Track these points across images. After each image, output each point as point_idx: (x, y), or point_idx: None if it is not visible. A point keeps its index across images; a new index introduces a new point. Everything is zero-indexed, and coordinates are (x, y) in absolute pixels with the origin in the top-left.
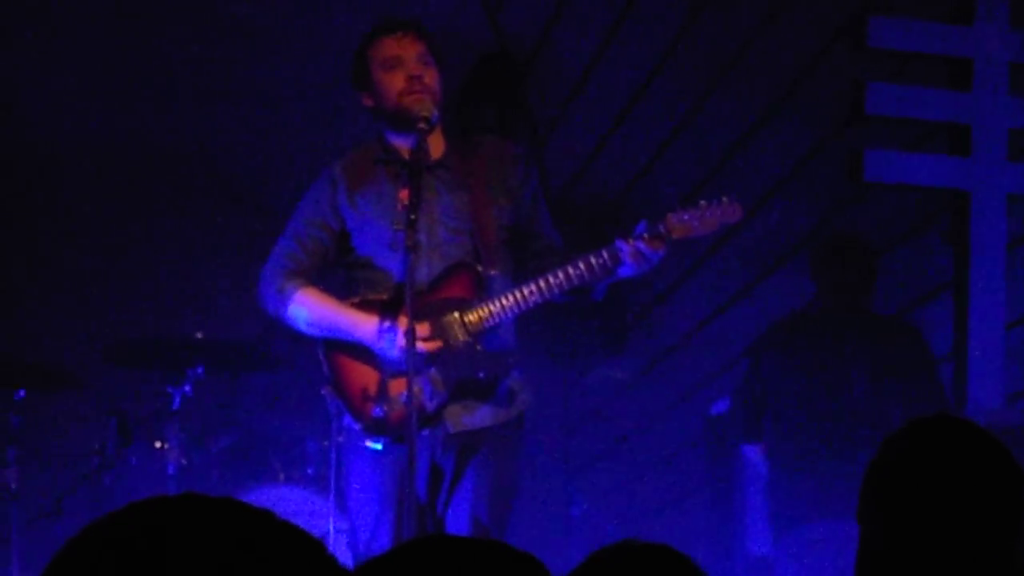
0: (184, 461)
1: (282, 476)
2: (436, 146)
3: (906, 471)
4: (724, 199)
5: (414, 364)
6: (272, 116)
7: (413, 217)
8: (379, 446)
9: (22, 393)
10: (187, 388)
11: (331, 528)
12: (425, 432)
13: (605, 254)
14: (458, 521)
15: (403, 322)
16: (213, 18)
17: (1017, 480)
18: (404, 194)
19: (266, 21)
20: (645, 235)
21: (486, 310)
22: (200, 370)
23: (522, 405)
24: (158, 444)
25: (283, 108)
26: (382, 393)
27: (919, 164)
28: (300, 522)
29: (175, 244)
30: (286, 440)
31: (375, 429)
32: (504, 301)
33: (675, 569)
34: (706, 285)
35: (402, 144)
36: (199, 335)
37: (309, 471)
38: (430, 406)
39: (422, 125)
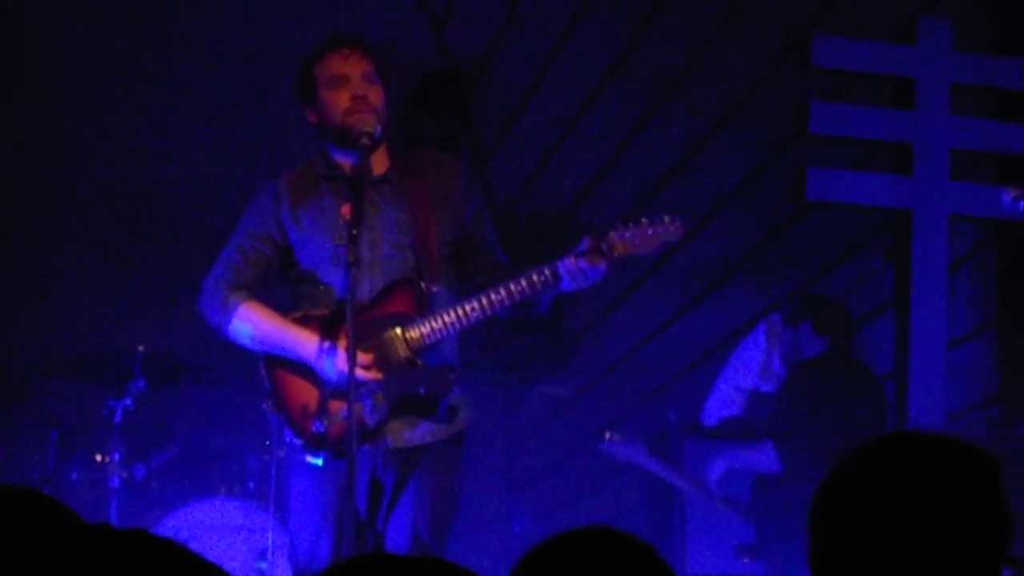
0: (125, 475)
1: (223, 490)
2: (379, 162)
3: (851, 487)
4: (666, 218)
5: (354, 382)
6: (214, 132)
7: (355, 232)
8: (319, 461)
9: None
10: (128, 401)
11: (271, 542)
12: (366, 448)
13: (547, 271)
14: (398, 536)
15: (343, 342)
16: (160, 34)
17: (987, 490)
18: (346, 209)
19: (210, 34)
20: (587, 252)
21: (428, 326)
22: (141, 383)
23: (463, 422)
24: (99, 457)
25: (224, 125)
26: (322, 409)
27: (862, 183)
28: (240, 536)
29: (116, 256)
30: (227, 454)
31: (315, 444)
32: (446, 317)
33: (619, 545)
34: (649, 302)
35: (345, 160)
36: (140, 348)
37: (250, 485)
38: (371, 422)
39: (365, 141)
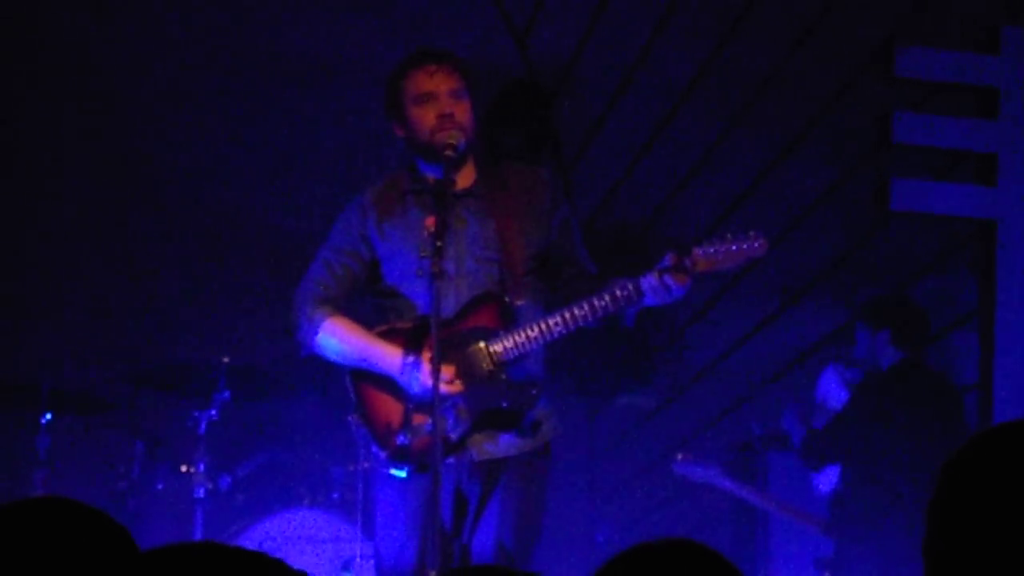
0: (210, 485)
1: (307, 500)
2: (466, 175)
3: (972, 486)
4: (751, 233)
5: (438, 395)
6: (296, 148)
7: (439, 244)
8: (403, 474)
9: (49, 416)
10: (213, 412)
11: (358, 553)
12: (450, 460)
13: (630, 286)
14: (483, 548)
15: (427, 356)
16: (249, 54)
17: None
18: (431, 221)
19: (300, 49)
20: (670, 268)
21: (511, 340)
22: (227, 395)
23: (548, 434)
24: (184, 468)
25: (305, 140)
26: (406, 422)
27: (945, 193)
28: (325, 546)
29: (204, 269)
30: (312, 465)
31: (399, 457)
32: (529, 332)
33: (699, 560)
34: (732, 313)
35: (433, 175)
36: (226, 360)
37: (334, 496)
38: (453, 435)
39: (449, 153)
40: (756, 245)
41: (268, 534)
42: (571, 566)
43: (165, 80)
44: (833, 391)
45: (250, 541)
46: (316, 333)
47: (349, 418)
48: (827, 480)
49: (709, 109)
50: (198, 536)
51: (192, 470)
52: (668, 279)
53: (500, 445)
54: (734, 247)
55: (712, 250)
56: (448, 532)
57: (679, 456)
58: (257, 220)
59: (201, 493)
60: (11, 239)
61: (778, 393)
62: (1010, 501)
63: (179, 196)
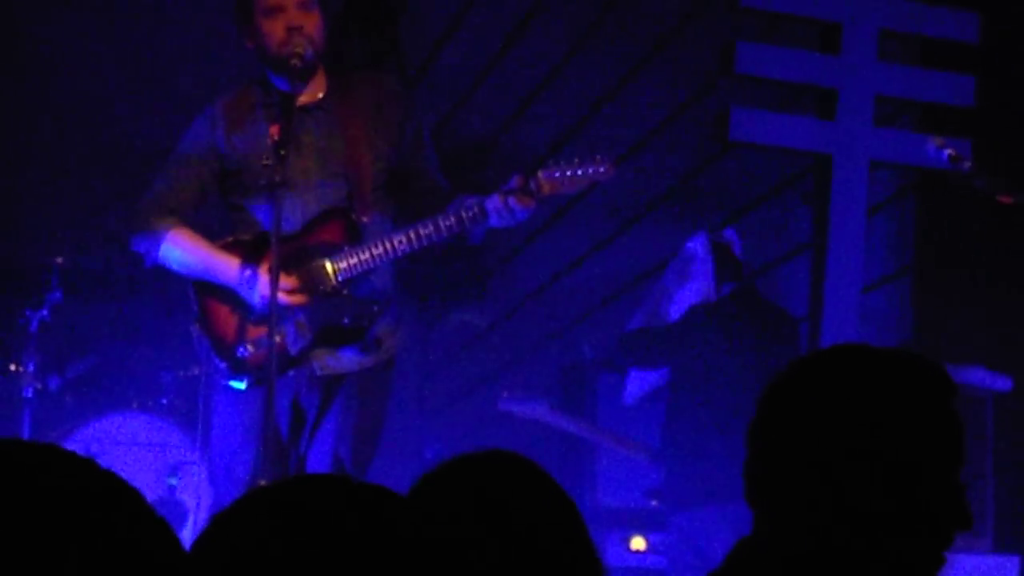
0: (39, 385)
1: (136, 404)
2: (315, 88)
3: (796, 397)
4: (597, 157)
5: (275, 306)
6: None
7: (283, 153)
8: (242, 385)
9: None
10: (45, 313)
11: (186, 459)
12: (291, 372)
13: (475, 208)
14: (319, 460)
15: (266, 268)
16: None
17: (940, 404)
18: (274, 129)
19: None
20: (516, 190)
21: (356, 257)
22: (58, 295)
23: (392, 349)
24: (13, 367)
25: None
26: (246, 334)
27: (784, 125)
28: (154, 451)
29: (36, 169)
30: (142, 369)
31: (238, 369)
32: (374, 250)
33: (518, 471)
34: (568, 235)
35: (283, 87)
36: (59, 260)
37: (163, 401)
38: (293, 350)
39: (295, 62)
40: (602, 170)
41: (96, 437)
42: (399, 479)
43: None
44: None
45: (77, 444)
46: (159, 245)
47: (191, 328)
48: (635, 387)
49: (556, 28)
50: (24, 436)
51: (21, 369)
52: (512, 201)
53: (342, 360)
54: (579, 171)
55: (557, 174)
56: (284, 443)
57: (504, 393)
58: (101, 120)
59: (29, 393)
60: None
61: (610, 317)
62: (823, 422)
63: (19, 88)
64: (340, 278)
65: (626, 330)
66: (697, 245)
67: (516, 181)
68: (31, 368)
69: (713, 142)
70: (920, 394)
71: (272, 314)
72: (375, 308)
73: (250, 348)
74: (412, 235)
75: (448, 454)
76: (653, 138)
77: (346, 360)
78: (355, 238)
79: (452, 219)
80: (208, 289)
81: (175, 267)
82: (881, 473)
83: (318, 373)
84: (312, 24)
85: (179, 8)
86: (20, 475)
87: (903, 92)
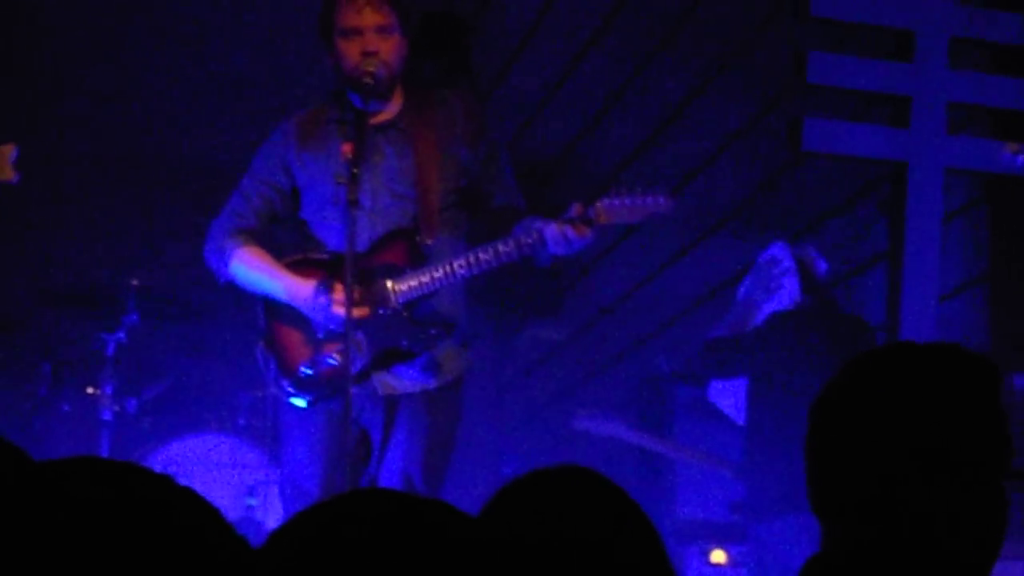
0: (117, 407)
1: (214, 425)
2: (391, 108)
3: (848, 398)
4: (657, 189)
5: (351, 323)
6: (208, 69)
7: (355, 171)
8: (303, 403)
9: None
10: (121, 335)
11: (264, 478)
12: (353, 390)
13: (534, 235)
14: (389, 479)
15: (334, 288)
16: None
17: (989, 398)
18: (347, 147)
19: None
20: (574, 219)
21: (416, 280)
22: (135, 317)
23: (455, 372)
24: (91, 390)
25: (219, 61)
26: (309, 352)
27: (858, 134)
28: (232, 471)
29: (114, 191)
30: (219, 389)
31: (301, 387)
32: (434, 273)
33: (592, 487)
34: (642, 248)
35: (358, 104)
36: (135, 282)
37: (241, 421)
38: (353, 369)
39: (367, 80)
40: (661, 201)
41: (174, 458)
42: (477, 498)
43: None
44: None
45: (156, 465)
46: (228, 263)
47: (257, 346)
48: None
49: (625, 44)
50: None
51: (99, 392)
52: (569, 230)
53: (403, 381)
54: (639, 202)
55: (617, 202)
56: (353, 461)
57: (579, 411)
58: (173, 144)
59: (107, 415)
60: None
61: (686, 330)
62: (877, 423)
63: (95, 116)
64: (400, 300)
65: (707, 339)
66: (779, 252)
67: (574, 210)
68: (109, 391)
69: (786, 152)
70: (972, 387)
71: (348, 332)
72: (432, 332)
73: (313, 366)
74: (472, 260)
75: (527, 470)
76: (726, 150)
77: (407, 381)
78: (418, 260)
79: (511, 245)
80: (275, 307)
81: (243, 284)
82: (938, 471)
83: (380, 393)
84: (388, 48)
85: (253, 29)
86: (103, 492)
87: (975, 99)
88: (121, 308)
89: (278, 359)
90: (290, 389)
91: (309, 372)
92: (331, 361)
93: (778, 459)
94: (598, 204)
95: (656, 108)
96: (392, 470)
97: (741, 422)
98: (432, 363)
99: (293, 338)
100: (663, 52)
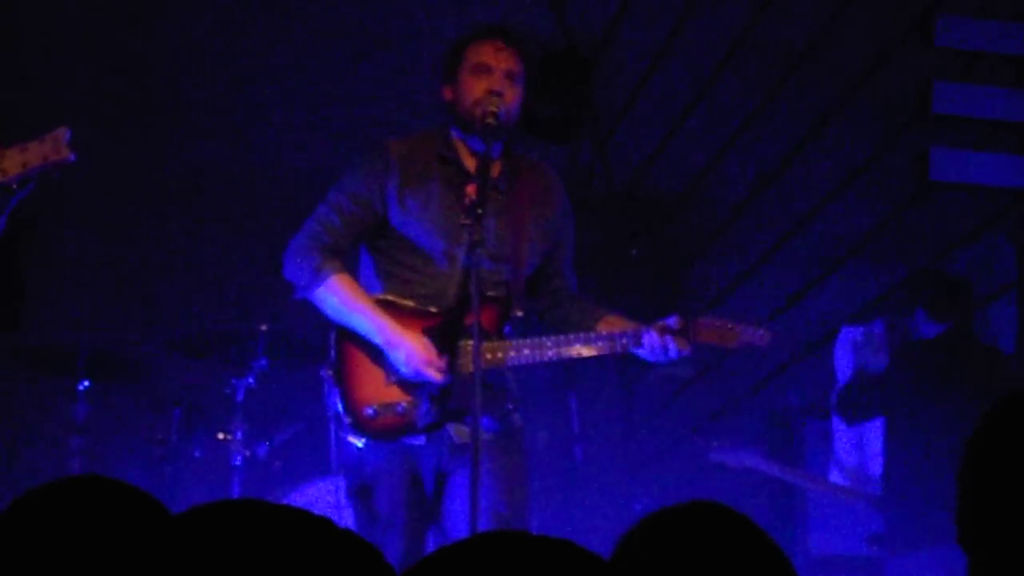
0: (248, 452)
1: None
2: (495, 164)
3: (997, 452)
4: (759, 325)
5: (479, 368)
6: (338, 116)
7: (480, 212)
8: (360, 443)
9: (87, 383)
10: (251, 380)
11: None
12: (418, 440)
13: (630, 336)
14: (483, 519)
15: (422, 342)
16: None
17: None
18: (471, 188)
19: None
20: (674, 330)
21: (504, 352)
22: (264, 362)
23: (517, 424)
24: (222, 435)
25: (341, 107)
26: (377, 395)
27: (985, 163)
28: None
29: (241, 237)
30: None
31: (361, 427)
32: (525, 350)
33: (726, 523)
34: (768, 283)
35: (466, 146)
36: (264, 327)
37: None
38: (420, 422)
39: (490, 120)
40: (760, 334)
41: (305, 502)
42: (608, 536)
43: (202, 32)
44: (840, 355)
45: None
46: (318, 286)
47: (322, 372)
48: (862, 439)
49: (747, 79)
50: None
51: (229, 437)
52: (671, 342)
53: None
54: (739, 330)
55: (718, 324)
56: (429, 501)
57: (714, 443)
58: (299, 188)
59: (238, 460)
60: (49, 202)
61: (815, 364)
62: None
63: (221, 161)
64: (485, 366)
65: (839, 387)
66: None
67: (675, 322)
68: (239, 436)
69: (913, 183)
70: None
71: (477, 373)
72: (509, 406)
73: (379, 410)
74: (563, 348)
75: (657, 507)
76: (851, 182)
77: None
78: (503, 329)
79: (604, 343)
80: (352, 340)
81: (328, 312)
82: None
83: (456, 440)
84: (513, 95)
85: (373, 71)
86: (272, 534)
87: None
88: (250, 353)
89: (343, 392)
90: (349, 426)
91: (372, 415)
92: (398, 409)
93: (917, 491)
94: (701, 320)
95: (781, 141)
96: (481, 509)
97: (855, 458)
98: (503, 419)
99: (364, 376)
100: (786, 85)
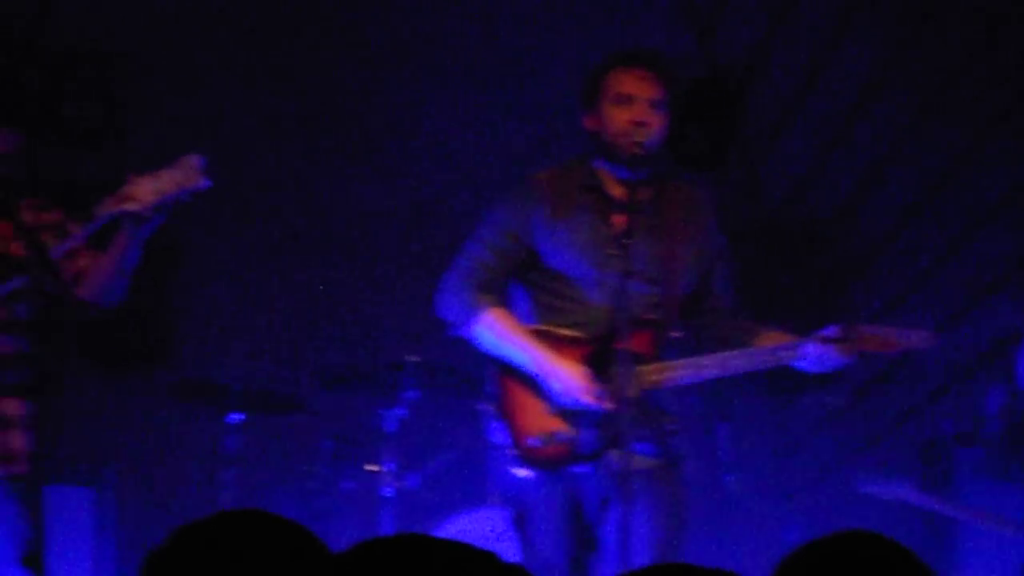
0: (399, 484)
1: (496, 498)
2: (641, 190)
3: None
4: (921, 329)
5: (627, 399)
6: (484, 139)
7: (626, 242)
8: (525, 474)
9: (238, 416)
10: (402, 411)
11: None
12: (584, 469)
13: (790, 348)
14: (641, 550)
15: (581, 371)
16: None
17: None
18: (619, 219)
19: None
20: (834, 339)
21: (662, 374)
22: (414, 393)
23: (678, 451)
24: (373, 467)
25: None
26: (540, 425)
27: None
28: (515, 545)
29: (391, 269)
30: None
31: (526, 459)
32: (682, 370)
33: (885, 553)
34: (922, 308)
35: (611, 175)
36: (413, 358)
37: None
38: (584, 450)
39: (636, 150)
40: (923, 336)
41: (457, 533)
42: (760, 566)
43: (368, 80)
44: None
45: None
46: (474, 322)
47: (483, 407)
48: None
49: (897, 102)
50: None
51: (380, 469)
52: (832, 351)
53: (637, 457)
54: (900, 335)
55: (880, 331)
56: (591, 531)
57: (863, 474)
58: (444, 219)
59: (389, 492)
60: (202, 239)
61: (969, 390)
62: None
63: (371, 196)
64: (645, 389)
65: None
66: None
67: (835, 330)
68: (390, 467)
69: None
70: None
71: (626, 401)
72: (669, 428)
73: (542, 439)
74: (722, 364)
75: (811, 535)
76: (1004, 206)
77: (639, 456)
78: (662, 352)
79: (765, 356)
80: (512, 373)
81: (484, 347)
82: None
83: (618, 469)
84: (656, 123)
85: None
86: (441, 570)
87: None
88: (401, 384)
89: (507, 425)
90: (514, 458)
91: (537, 445)
92: (561, 438)
93: None
94: (862, 327)
95: (929, 169)
96: (641, 538)
97: None
98: (663, 445)
99: (525, 408)
100: (939, 107)
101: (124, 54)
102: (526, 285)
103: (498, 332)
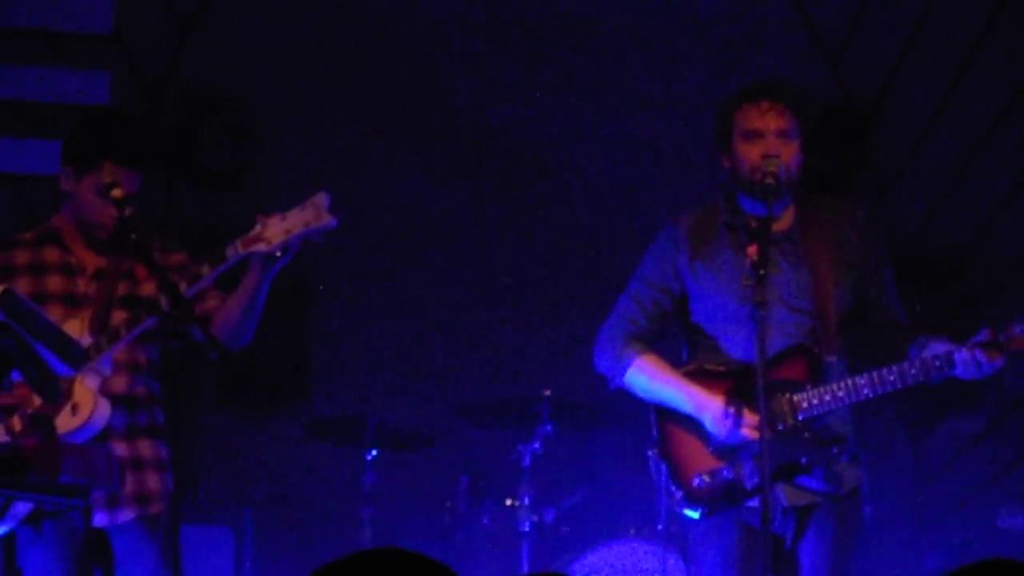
0: (535, 518)
1: (633, 532)
2: (785, 218)
3: None
4: None
5: (765, 432)
6: (620, 172)
7: (762, 273)
8: (696, 515)
9: (374, 453)
10: (537, 445)
11: None
12: (753, 503)
13: (943, 359)
14: None
15: (724, 402)
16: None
17: None
18: (753, 250)
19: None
20: (984, 344)
21: (818, 398)
22: (549, 427)
23: (852, 483)
24: (509, 502)
25: (627, 168)
26: (704, 464)
27: None
28: None
29: (522, 304)
30: (636, 496)
31: (693, 498)
32: (837, 391)
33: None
34: None
35: (752, 211)
36: (548, 392)
37: (659, 527)
38: (748, 484)
39: (769, 181)
40: None
41: (594, 567)
42: None
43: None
44: None
45: (577, 574)
46: (625, 371)
47: (649, 452)
48: None
49: None
50: (524, 571)
51: (517, 503)
52: (980, 355)
53: (807, 492)
54: None
55: None
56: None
57: (1004, 508)
58: (581, 255)
59: (527, 526)
60: (333, 277)
61: None
62: None
63: (506, 233)
64: (801, 417)
65: None
66: None
67: (986, 334)
68: (527, 501)
69: None
70: None
71: (764, 444)
72: (834, 451)
73: (706, 478)
74: (877, 379)
75: (950, 565)
76: None
77: (810, 491)
78: (818, 377)
79: (918, 368)
80: (670, 416)
81: (640, 393)
82: None
83: (785, 503)
84: (789, 152)
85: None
86: None
87: None
88: (535, 419)
89: (670, 468)
90: (682, 499)
91: (702, 484)
92: (726, 474)
93: None
94: (1011, 328)
95: None
96: (808, 572)
97: None
98: (831, 474)
99: (688, 448)
100: None
101: (255, 97)
102: (681, 327)
103: (649, 375)
